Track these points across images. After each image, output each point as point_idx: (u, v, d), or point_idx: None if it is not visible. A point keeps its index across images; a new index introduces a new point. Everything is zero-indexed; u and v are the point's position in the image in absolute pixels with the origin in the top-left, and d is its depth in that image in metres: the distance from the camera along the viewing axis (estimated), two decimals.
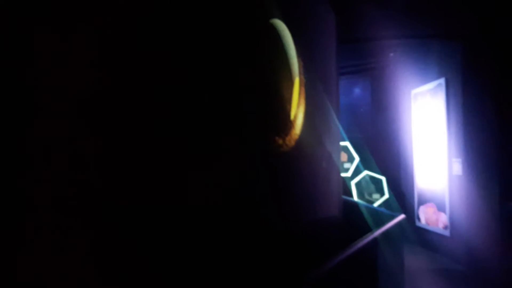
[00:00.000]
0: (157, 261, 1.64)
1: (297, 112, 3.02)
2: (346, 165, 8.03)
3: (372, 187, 7.82)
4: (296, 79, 3.03)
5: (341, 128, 7.89)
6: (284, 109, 2.80)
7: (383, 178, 7.62)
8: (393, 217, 3.96)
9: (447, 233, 6.26)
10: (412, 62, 7.15)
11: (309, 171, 3.32)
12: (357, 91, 8.01)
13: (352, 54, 7.48)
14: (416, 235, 7.12)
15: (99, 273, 1.41)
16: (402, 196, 7.49)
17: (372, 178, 7.80)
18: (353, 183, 7.81)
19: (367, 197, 7.91)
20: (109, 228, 1.43)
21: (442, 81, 6.25)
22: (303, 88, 3.09)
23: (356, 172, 7.85)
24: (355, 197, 7.74)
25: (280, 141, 2.65)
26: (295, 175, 3.00)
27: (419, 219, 7.01)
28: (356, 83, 8.02)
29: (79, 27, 1.34)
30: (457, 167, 5.99)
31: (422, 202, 6.92)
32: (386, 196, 7.56)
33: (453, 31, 5.62)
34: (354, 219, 4.72)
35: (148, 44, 1.61)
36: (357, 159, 7.83)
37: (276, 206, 2.72)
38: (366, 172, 7.77)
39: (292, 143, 2.89)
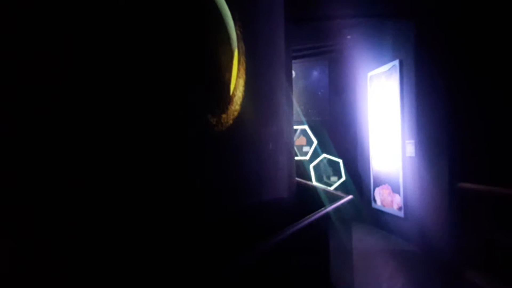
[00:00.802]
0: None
1: (236, 86, 2.89)
2: (305, 149, 8.02)
3: (330, 170, 7.84)
4: (235, 51, 2.90)
5: (300, 111, 7.86)
6: (220, 82, 2.66)
7: (341, 161, 7.64)
8: (341, 198, 3.94)
9: (401, 214, 6.35)
10: (368, 45, 7.15)
11: (252, 152, 3.23)
12: (315, 74, 7.96)
13: (310, 37, 7.41)
14: (372, 216, 7.20)
15: None
16: (359, 178, 7.55)
17: (330, 161, 7.81)
18: (311, 166, 7.81)
19: (325, 180, 7.93)
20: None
21: (396, 62, 6.27)
22: (243, 61, 2.97)
23: (315, 155, 7.84)
24: (314, 180, 7.74)
25: (214, 120, 2.52)
26: (235, 156, 2.90)
27: (375, 200, 7.08)
28: (314, 66, 7.97)
29: None
30: (410, 149, 6.05)
31: (377, 184, 6.99)
32: (344, 178, 7.60)
33: (404, 10, 5.62)
34: (305, 201, 4.70)
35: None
36: (315, 142, 7.82)
37: (214, 190, 2.61)
38: (324, 155, 7.77)
39: (230, 121, 2.78)
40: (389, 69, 6.49)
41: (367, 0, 6.12)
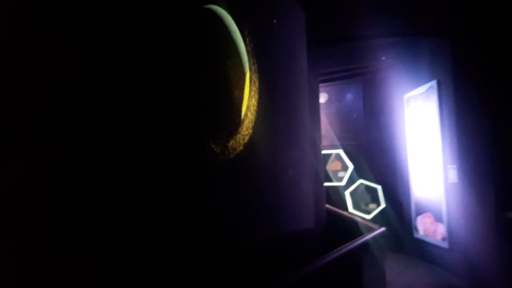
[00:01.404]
0: None
1: (248, 107, 2.71)
2: (340, 174, 7.69)
3: (368, 196, 7.45)
4: (246, 69, 2.73)
5: (334, 135, 7.59)
6: (226, 103, 2.49)
7: (379, 187, 7.25)
8: (373, 230, 3.63)
9: (445, 245, 5.86)
10: (404, 65, 6.83)
11: (266, 180, 3.01)
12: (349, 96, 7.69)
13: (342, 59, 7.20)
14: (414, 246, 6.72)
15: None
16: (399, 206, 7.11)
17: (367, 187, 7.43)
18: (347, 193, 7.46)
19: (363, 207, 7.54)
20: None
21: (433, 83, 5.91)
22: (255, 79, 2.79)
23: (351, 181, 7.50)
24: (350, 207, 7.38)
25: (218, 148, 2.34)
26: (243, 186, 2.69)
27: (417, 230, 6.61)
28: (348, 88, 7.71)
29: None
30: (453, 174, 5.61)
31: (419, 211, 6.53)
32: (383, 205, 7.19)
33: (441, 28, 5.30)
34: (333, 233, 4.40)
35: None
36: (351, 167, 7.49)
37: (221, 224, 2.42)
38: (361, 181, 7.41)
39: (240, 147, 2.59)
40: (427, 90, 6.12)
41: (401, 19, 5.87)
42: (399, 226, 6.96)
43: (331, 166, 7.81)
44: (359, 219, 4.66)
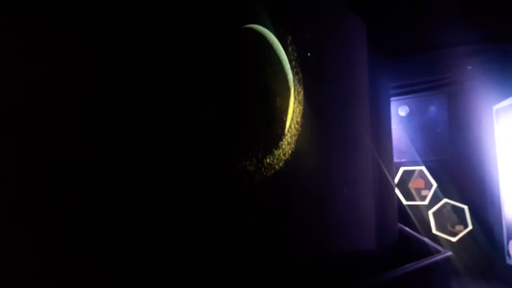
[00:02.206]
0: None
1: (290, 124, 2.67)
2: (424, 192, 7.21)
3: (454, 217, 6.88)
4: (291, 91, 2.71)
5: (415, 151, 7.17)
6: (265, 119, 2.47)
7: (466, 207, 6.66)
8: (438, 254, 3.35)
9: None
10: (492, 74, 6.25)
11: (313, 198, 2.92)
12: (432, 109, 7.21)
13: (424, 70, 6.81)
14: (507, 274, 6.03)
15: None
16: (489, 228, 6.45)
17: (453, 207, 6.87)
18: (430, 213, 6.96)
19: (450, 228, 6.97)
20: None
21: None
22: (299, 101, 2.75)
23: (435, 200, 6.99)
24: (433, 229, 6.87)
25: (251, 167, 2.33)
26: (286, 205, 2.63)
27: (509, 255, 5.94)
28: (431, 101, 7.24)
29: None
30: None
31: None
32: (470, 227, 6.58)
33: None
34: (405, 253, 4.11)
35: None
36: (434, 185, 6.99)
37: (258, 242, 2.40)
38: (445, 200, 6.88)
39: (280, 164, 2.56)
40: None
41: (485, 24, 5.44)
42: (490, 251, 6.31)
43: (413, 184, 7.37)
44: (427, 241, 4.32)
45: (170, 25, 1.90)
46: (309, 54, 2.87)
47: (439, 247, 3.89)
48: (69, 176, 1.48)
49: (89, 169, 1.54)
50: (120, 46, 1.64)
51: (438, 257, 3.31)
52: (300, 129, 2.75)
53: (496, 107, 6.20)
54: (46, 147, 1.43)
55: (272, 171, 2.51)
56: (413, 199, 7.28)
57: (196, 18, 2.04)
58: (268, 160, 2.47)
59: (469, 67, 6.54)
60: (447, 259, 3.51)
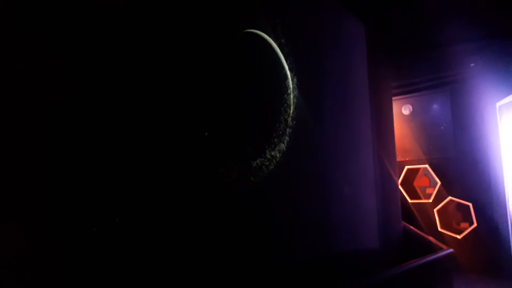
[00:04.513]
0: None
1: (290, 128, 2.71)
2: (428, 190, 7.22)
3: (458, 214, 6.88)
4: (290, 92, 2.75)
5: (419, 149, 7.18)
6: (253, 119, 2.50)
7: (470, 205, 6.66)
8: (441, 250, 3.37)
9: None
10: (495, 71, 6.25)
11: (311, 199, 2.96)
12: (435, 107, 7.21)
13: (426, 68, 6.83)
14: None
15: None
16: (495, 225, 6.44)
17: (458, 204, 6.87)
18: (436, 210, 6.96)
19: (455, 225, 6.98)
20: None
21: None
22: (299, 103, 2.79)
23: (439, 198, 6.99)
24: (439, 226, 6.87)
25: (235, 172, 2.34)
26: (282, 206, 2.67)
27: None
28: (434, 99, 7.24)
29: None
30: None
31: None
32: (475, 224, 6.58)
33: None
34: (408, 251, 4.13)
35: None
36: (439, 183, 6.99)
37: (253, 243, 2.44)
38: (450, 198, 6.88)
39: (271, 167, 2.57)
40: None
41: (487, 20, 5.45)
42: (495, 248, 6.31)
43: (417, 182, 7.38)
44: (431, 239, 4.34)
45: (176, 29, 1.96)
46: (307, 56, 2.91)
47: (442, 245, 3.91)
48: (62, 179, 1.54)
49: (91, 169, 1.59)
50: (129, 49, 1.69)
51: (440, 254, 3.33)
52: (300, 130, 2.79)
53: (499, 103, 6.20)
54: (45, 147, 1.48)
55: (271, 171, 2.56)
56: (418, 197, 7.29)
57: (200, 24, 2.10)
58: (266, 161, 2.52)
59: (472, 64, 6.55)
60: (449, 256, 3.52)
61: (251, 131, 2.49)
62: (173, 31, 1.92)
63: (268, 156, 2.56)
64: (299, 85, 2.86)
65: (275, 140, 2.64)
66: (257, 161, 2.46)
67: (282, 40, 2.75)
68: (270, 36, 2.63)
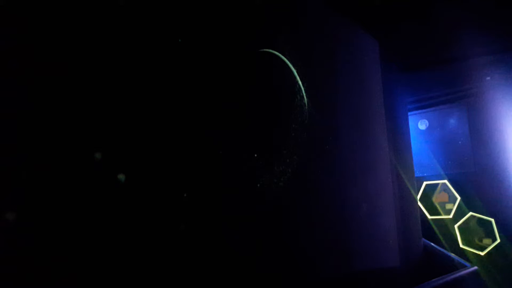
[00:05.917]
0: None
1: (304, 146, 2.71)
2: (448, 206, 7.09)
3: (481, 231, 6.74)
4: (301, 106, 2.76)
5: (438, 164, 7.10)
6: (281, 141, 2.52)
7: (492, 220, 6.52)
8: (463, 268, 3.29)
9: None
10: (511, 85, 6.19)
11: (333, 217, 2.93)
12: (452, 122, 7.14)
13: (441, 83, 6.80)
14: None
15: None
16: None
17: (479, 220, 6.73)
18: (456, 227, 6.83)
19: (477, 242, 6.82)
20: None
21: None
22: (313, 121, 2.79)
23: (460, 214, 6.87)
24: (460, 243, 6.73)
25: (265, 187, 2.37)
26: (303, 225, 2.65)
27: None
28: (450, 113, 7.17)
29: None
30: None
31: None
32: (498, 240, 6.43)
33: None
34: (429, 269, 4.04)
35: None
36: (458, 198, 6.88)
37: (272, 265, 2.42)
38: (471, 214, 6.75)
39: (280, 183, 2.56)
40: None
41: (503, 33, 5.42)
42: None
43: (437, 198, 7.26)
44: (453, 256, 4.24)
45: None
46: (321, 75, 2.93)
47: (465, 262, 3.82)
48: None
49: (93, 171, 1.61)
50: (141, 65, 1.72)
51: (464, 272, 3.25)
52: (315, 147, 2.79)
53: None
54: (44, 147, 1.50)
55: (284, 188, 2.54)
56: (437, 213, 7.17)
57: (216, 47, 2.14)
58: (278, 177, 2.51)
59: (488, 78, 6.49)
60: (474, 273, 3.44)
61: (267, 150, 2.50)
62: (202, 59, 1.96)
63: (280, 172, 2.56)
64: (312, 102, 2.88)
65: (290, 156, 2.65)
66: (273, 178, 2.47)
67: (295, 59, 2.78)
68: (284, 55, 2.66)
